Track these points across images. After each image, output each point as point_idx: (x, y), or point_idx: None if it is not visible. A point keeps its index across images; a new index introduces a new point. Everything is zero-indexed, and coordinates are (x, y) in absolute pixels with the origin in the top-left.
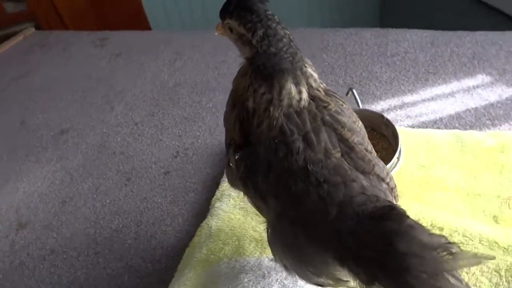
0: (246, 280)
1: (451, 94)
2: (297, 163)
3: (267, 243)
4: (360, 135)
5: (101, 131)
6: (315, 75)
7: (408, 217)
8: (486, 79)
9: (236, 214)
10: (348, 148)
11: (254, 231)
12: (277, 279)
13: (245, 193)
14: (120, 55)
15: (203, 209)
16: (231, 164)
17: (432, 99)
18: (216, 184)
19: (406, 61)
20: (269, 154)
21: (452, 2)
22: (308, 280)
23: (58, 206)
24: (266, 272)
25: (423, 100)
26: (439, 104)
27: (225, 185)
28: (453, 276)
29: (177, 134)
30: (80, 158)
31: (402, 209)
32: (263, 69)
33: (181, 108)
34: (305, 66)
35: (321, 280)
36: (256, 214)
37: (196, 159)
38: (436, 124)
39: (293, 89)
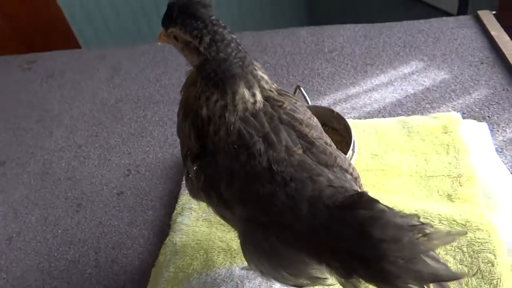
0: None
1: (390, 82)
2: (261, 165)
3: (235, 252)
4: (318, 130)
5: (42, 158)
6: (266, 77)
7: (377, 201)
8: (419, 65)
9: (200, 226)
10: (308, 144)
11: (221, 241)
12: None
13: (209, 204)
14: (53, 76)
15: (164, 226)
16: (190, 176)
17: (373, 89)
18: (174, 199)
19: (343, 56)
20: (229, 160)
21: None
22: (286, 283)
23: (5, 244)
24: (239, 281)
25: (365, 91)
26: (381, 94)
27: (184, 198)
28: (430, 256)
29: (126, 151)
30: (22, 189)
31: (370, 195)
32: (214, 76)
33: (126, 124)
34: (255, 69)
35: (300, 281)
36: (221, 224)
37: (150, 175)
38: (380, 113)
39: (247, 93)
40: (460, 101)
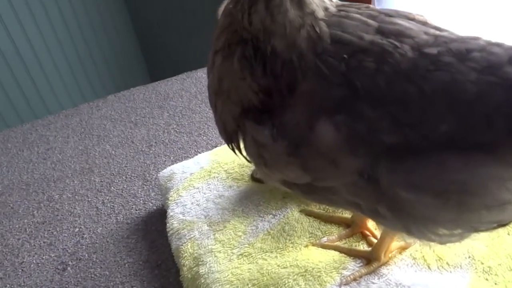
0: None
1: None
2: (405, 58)
3: (315, 270)
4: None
5: None
6: None
7: None
8: None
9: (239, 265)
10: (435, 29)
11: (284, 268)
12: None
13: (302, 175)
14: None
15: None
16: (264, 142)
17: None
18: (156, 266)
19: None
20: (339, 82)
21: None
22: (472, 231)
23: None
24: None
25: None
26: None
27: (188, 247)
28: None
29: (43, 244)
30: None
31: None
32: None
33: (25, 216)
34: None
35: (496, 217)
36: (265, 252)
37: (100, 257)
38: None
39: None
40: None
